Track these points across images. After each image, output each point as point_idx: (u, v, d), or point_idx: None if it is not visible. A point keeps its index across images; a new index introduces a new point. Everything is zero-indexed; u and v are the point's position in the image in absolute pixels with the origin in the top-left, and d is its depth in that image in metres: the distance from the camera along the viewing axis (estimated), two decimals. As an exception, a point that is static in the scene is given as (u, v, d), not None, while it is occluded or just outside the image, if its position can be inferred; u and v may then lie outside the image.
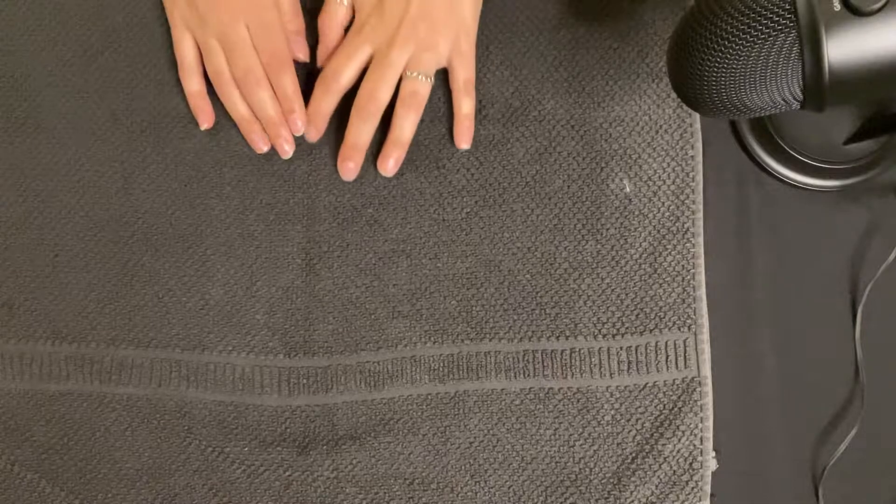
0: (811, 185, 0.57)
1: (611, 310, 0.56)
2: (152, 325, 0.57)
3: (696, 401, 0.54)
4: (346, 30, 0.57)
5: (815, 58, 0.38)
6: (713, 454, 0.54)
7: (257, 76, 0.56)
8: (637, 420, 0.55)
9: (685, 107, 0.56)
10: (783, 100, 0.41)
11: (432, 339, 0.56)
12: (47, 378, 0.57)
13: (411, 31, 0.54)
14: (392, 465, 0.56)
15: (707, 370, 0.55)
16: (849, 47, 0.38)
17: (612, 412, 0.55)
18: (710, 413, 0.54)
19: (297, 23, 0.58)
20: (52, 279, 0.58)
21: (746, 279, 0.57)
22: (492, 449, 0.55)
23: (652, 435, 0.55)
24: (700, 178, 0.56)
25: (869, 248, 0.57)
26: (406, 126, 0.56)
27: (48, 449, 0.57)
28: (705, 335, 0.55)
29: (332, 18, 0.57)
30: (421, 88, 0.55)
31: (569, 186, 0.57)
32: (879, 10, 0.37)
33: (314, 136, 0.57)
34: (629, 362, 0.55)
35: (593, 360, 0.55)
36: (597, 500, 0.54)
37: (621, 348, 0.55)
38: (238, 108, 0.57)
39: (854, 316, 0.57)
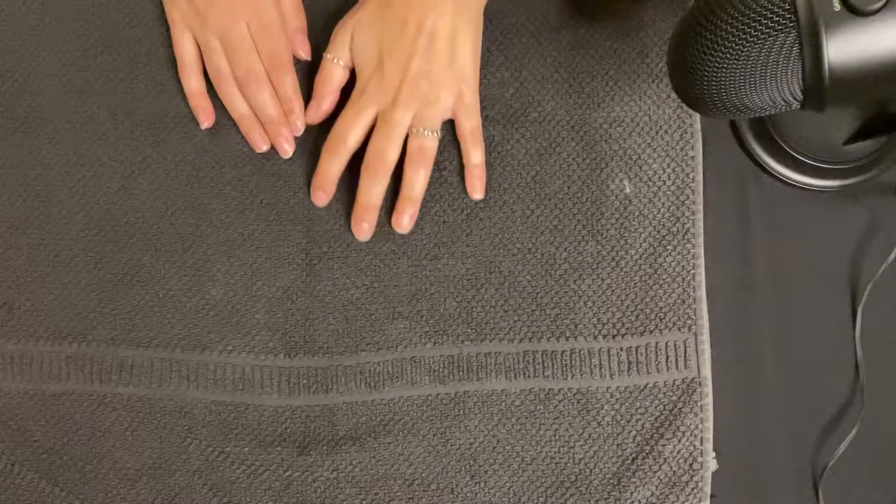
0: (811, 185, 0.57)
1: (611, 310, 0.56)
2: (152, 324, 0.57)
3: (696, 401, 0.54)
4: (343, 90, 0.57)
5: (815, 58, 0.38)
6: (713, 454, 0.54)
7: (258, 76, 0.56)
8: (637, 421, 0.55)
9: (685, 107, 0.56)
10: (783, 100, 0.41)
11: (432, 339, 0.56)
12: (48, 378, 0.57)
13: (413, 89, 0.54)
14: (392, 466, 0.56)
15: (707, 371, 0.55)
16: (849, 47, 0.38)
17: (613, 413, 0.55)
18: (710, 414, 0.54)
19: (298, 21, 0.58)
20: (52, 279, 0.58)
21: (746, 279, 0.57)
22: (492, 450, 0.55)
23: (652, 436, 0.55)
24: (700, 178, 0.56)
25: (869, 248, 0.57)
26: (417, 182, 0.55)
27: (48, 449, 0.57)
28: (705, 336, 0.55)
29: (329, 81, 0.57)
30: (428, 144, 0.55)
31: (569, 187, 0.57)
32: (879, 10, 0.37)
33: (323, 200, 0.57)
34: (629, 363, 0.55)
35: (593, 360, 0.55)
36: (597, 501, 0.54)
37: (621, 349, 0.55)
38: (238, 107, 0.57)
39: (854, 316, 0.57)
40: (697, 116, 0.57)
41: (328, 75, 0.57)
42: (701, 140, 0.56)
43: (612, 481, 0.54)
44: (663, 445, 0.54)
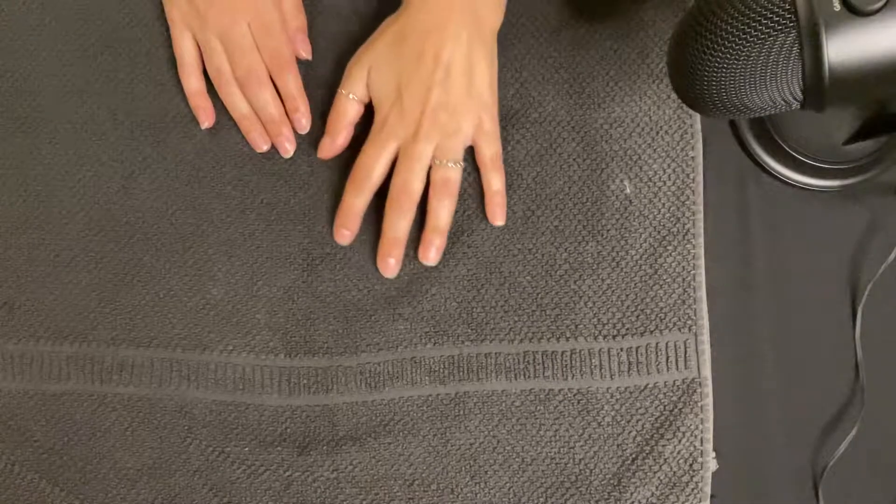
0: (811, 185, 0.57)
1: (611, 311, 0.56)
2: (153, 324, 0.57)
3: (696, 402, 0.54)
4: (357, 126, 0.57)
5: (815, 58, 0.38)
6: (713, 455, 0.54)
7: (259, 76, 0.56)
8: (637, 421, 0.55)
9: (685, 108, 0.56)
10: (783, 100, 0.41)
11: (433, 340, 0.56)
12: (48, 378, 0.57)
13: (434, 121, 0.53)
14: (392, 466, 0.56)
15: (707, 371, 0.55)
16: (849, 47, 0.38)
17: (613, 413, 0.55)
18: (710, 414, 0.54)
19: (299, 20, 0.58)
20: (52, 279, 0.58)
21: (746, 279, 0.57)
22: (492, 450, 0.55)
23: (652, 436, 0.55)
24: (700, 178, 0.56)
25: (869, 248, 0.57)
26: (442, 214, 0.55)
27: (49, 449, 0.56)
28: (706, 336, 0.55)
29: (343, 116, 0.56)
30: (452, 175, 0.55)
31: (569, 188, 0.57)
32: (879, 10, 0.37)
33: (348, 237, 0.56)
34: (629, 363, 0.55)
35: (594, 361, 0.55)
36: (597, 502, 0.54)
37: (622, 349, 0.55)
38: (238, 106, 0.57)
39: (854, 316, 0.57)
40: (698, 117, 0.57)
41: (342, 110, 0.56)
42: (701, 140, 0.56)
43: (612, 482, 0.54)
44: (663, 446, 0.54)
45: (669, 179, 0.56)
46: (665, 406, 0.55)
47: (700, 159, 0.56)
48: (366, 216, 0.57)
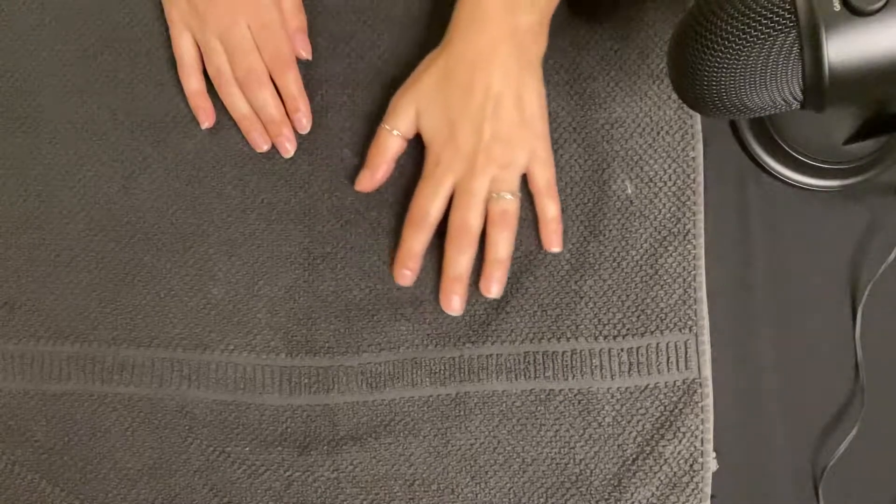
0: (811, 185, 0.57)
1: (612, 311, 0.56)
2: (154, 324, 0.57)
3: (696, 402, 0.54)
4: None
5: (815, 58, 0.38)
6: (713, 455, 0.54)
7: (259, 76, 0.56)
8: (638, 421, 0.55)
9: (686, 108, 0.56)
10: (783, 100, 0.41)
11: (434, 341, 0.56)
12: (48, 378, 0.57)
13: (488, 154, 0.53)
14: (393, 466, 0.56)
15: (708, 371, 0.55)
16: (849, 47, 0.38)
17: (613, 413, 0.55)
18: (710, 414, 0.54)
19: (299, 20, 0.58)
20: (53, 279, 0.58)
21: (746, 279, 0.57)
22: (492, 450, 0.55)
23: (653, 436, 0.55)
24: (701, 179, 0.56)
25: (869, 248, 0.57)
26: (502, 246, 0.55)
27: (49, 449, 0.56)
28: (706, 336, 0.55)
29: (385, 151, 0.56)
30: (510, 207, 0.54)
31: (570, 188, 0.57)
32: (879, 10, 0.37)
33: (409, 279, 0.56)
34: (630, 364, 0.55)
35: (594, 361, 0.55)
36: (597, 502, 0.54)
37: (622, 349, 0.55)
38: (238, 106, 0.57)
39: (854, 316, 0.57)
40: (698, 117, 0.57)
41: (385, 145, 0.56)
42: (702, 141, 0.56)
43: (612, 482, 0.54)
44: (664, 446, 0.54)
45: (670, 180, 0.56)
46: (665, 406, 0.55)
47: (701, 160, 0.56)
48: (370, 216, 0.57)
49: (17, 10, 0.60)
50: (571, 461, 0.55)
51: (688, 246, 0.56)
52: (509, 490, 0.55)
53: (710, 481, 0.54)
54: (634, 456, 0.55)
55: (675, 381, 0.55)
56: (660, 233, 0.56)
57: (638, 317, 0.55)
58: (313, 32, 0.59)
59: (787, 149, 0.57)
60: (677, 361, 0.55)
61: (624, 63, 0.57)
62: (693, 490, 0.54)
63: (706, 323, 0.55)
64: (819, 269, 0.57)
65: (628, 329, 0.55)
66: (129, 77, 0.59)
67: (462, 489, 0.55)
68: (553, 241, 0.56)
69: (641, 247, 0.56)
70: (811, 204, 0.58)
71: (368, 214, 0.57)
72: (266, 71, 0.57)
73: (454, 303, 0.55)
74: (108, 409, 0.57)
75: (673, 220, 0.56)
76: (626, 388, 0.55)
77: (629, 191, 0.56)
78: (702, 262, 0.56)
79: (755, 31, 0.39)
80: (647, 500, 0.54)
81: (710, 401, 0.54)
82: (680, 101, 0.53)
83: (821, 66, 0.38)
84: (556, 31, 0.58)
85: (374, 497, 0.55)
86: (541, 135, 0.54)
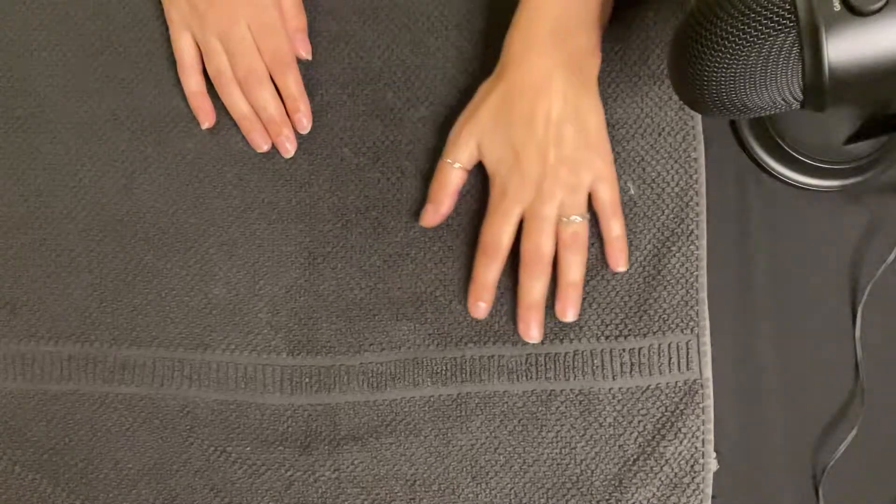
0: (811, 185, 0.57)
1: (614, 312, 0.56)
2: (155, 324, 0.57)
3: (697, 403, 0.54)
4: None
5: (815, 58, 0.38)
6: (714, 455, 0.54)
7: (259, 76, 0.56)
8: (639, 422, 0.55)
9: (687, 109, 0.56)
10: (783, 100, 0.41)
11: (436, 342, 0.56)
12: (49, 378, 0.57)
13: (555, 180, 0.53)
14: (393, 467, 0.56)
15: (709, 372, 0.55)
16: (849, 47, 0.38)
17: (614, 414, 0.55)
18: (711, 415, 0.54)
19: (299, 20, 0.58)
20: (53, 279, 0.58)
21: (746, 279, 0.57)
22: (493, 451, 0.55)
23: (654, 437, 0.55)
24: (703, 180, 0.56)
25: (869, 248, 0.57)
26: (575, 268, 0.54)
27: (49, 449, 0.56)
28: (707, 337, 0.55)
29: (447, 185, 0.56)
30: (580, 229, 0.54)
31: (572, 189, 0.57)
32: (879, 10, 0.38)
33: (484, 311, 0.55)
34: (632, 364, 0.55)
35: (595, 361, 0.55)
36: (598, 502, 0.54)
37: (624, 350, 0.55)
38: (239, 106, 0.57)
39: (854, 316, 0.57)
40: (699, 118, 0.57)
41: (447, 179, 0.56)
42: (703, 142, 0.56)
43: (613, 482, 0.54)
44: (665, 447, 0.54)
45: (672, 181, 0.56)
46: (667, 407, 0.55)
47: (702, 161, 0.56)
48: (358, 209, 0.57)
49: (17, 10, 0.60)
50: (572, 462, 0.55)
51: (691, 247, 0.56)
52: (510, 490, 0.55)
53: (710, 482, 0.54)
54: (635, 456, 0.55)
55: (676, 382, 0.55)
56: (663, 234, 0.56)
57: (640, 317, 0.55)
58: (313, 32, 0.59)
59: (787, 149, 0.57)
60: (679, 362, 0.55)
61: (624, 64, 0.57)
62: (694, 491, 0.54)
63: (707, 323, 0.55)
64: (819, 269, 0.57)
65: (630, 330, 0.55)
66: (130, 77, 0.59)
67: (463, 489, 0.55)
68: (619, 260, 0.55)
69: (645, 248, 0.56)
70: (811, 204, 0.58)
71: (369, 214, 0.57)
72: (266, 71, 0.57)
73: (533, 331, 0.55)
74: (109, 409, 0.57)
75: (676, 220, 0.56)
76: (628, 389, 0.55)
77: (632, 192, 0.56)
78: (704, 263, 0.55)
79: (755, 32, 0.39)
80: (648, 500, 0.54)
81: (710, 401, 0.54)
82: (681, 102, 0.53)
83: (821, 66, 0.38)
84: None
85: (375, 497, 0.55)
86: (603, 154, 0.54)
